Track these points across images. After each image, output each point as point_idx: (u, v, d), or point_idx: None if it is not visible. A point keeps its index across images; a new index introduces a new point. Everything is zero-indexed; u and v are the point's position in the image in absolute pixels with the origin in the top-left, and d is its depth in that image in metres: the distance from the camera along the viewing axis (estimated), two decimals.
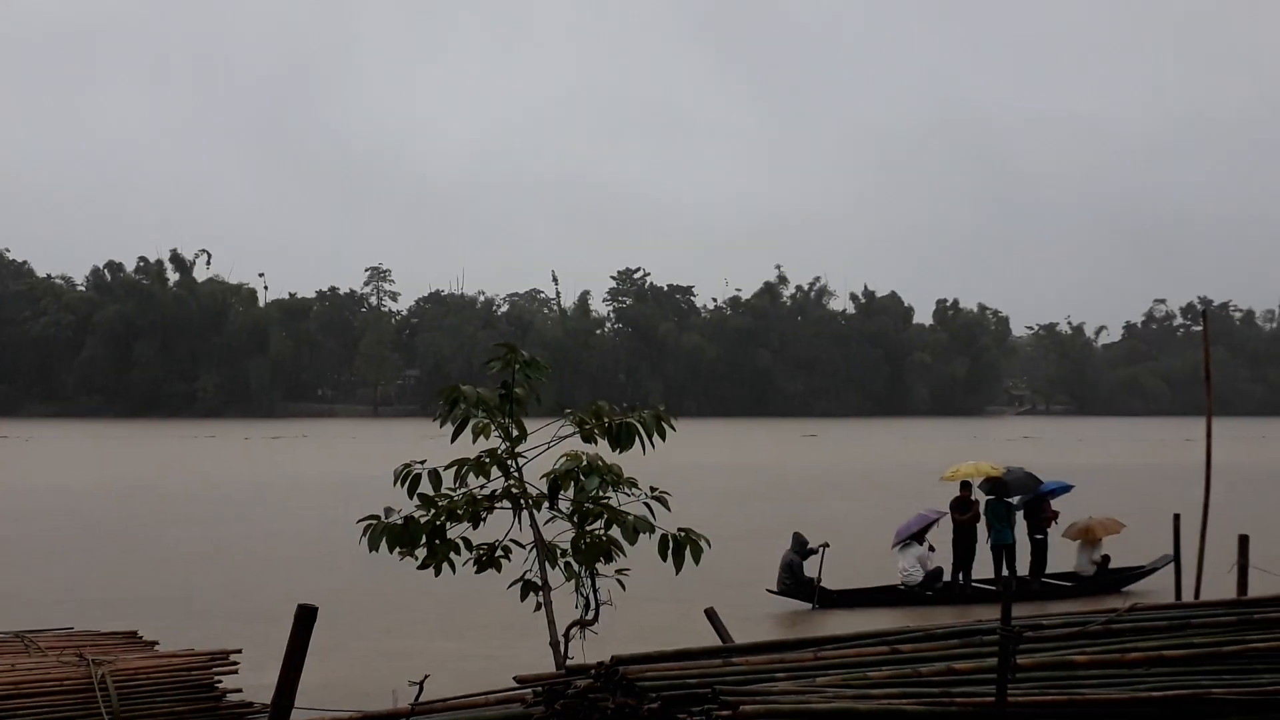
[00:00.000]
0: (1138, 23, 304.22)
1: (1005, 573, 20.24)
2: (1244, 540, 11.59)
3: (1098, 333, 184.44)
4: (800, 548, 19.42)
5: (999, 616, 6.76)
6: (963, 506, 20.34)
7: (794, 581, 19.21)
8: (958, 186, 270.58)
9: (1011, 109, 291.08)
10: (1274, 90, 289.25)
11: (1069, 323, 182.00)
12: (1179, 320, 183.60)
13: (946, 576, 20.02)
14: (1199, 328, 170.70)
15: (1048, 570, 20.61)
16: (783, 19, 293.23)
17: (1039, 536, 20.55)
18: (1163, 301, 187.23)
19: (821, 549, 19.26)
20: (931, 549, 20.10)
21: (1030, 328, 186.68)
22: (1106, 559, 20.69)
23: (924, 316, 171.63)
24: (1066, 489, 21.92)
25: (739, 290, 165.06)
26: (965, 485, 20.57)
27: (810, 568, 19.35)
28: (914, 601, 19.22)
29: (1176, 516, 17.02)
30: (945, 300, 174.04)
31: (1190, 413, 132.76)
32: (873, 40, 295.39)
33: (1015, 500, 20.72)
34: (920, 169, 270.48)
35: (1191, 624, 7.80)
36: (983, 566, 20.31)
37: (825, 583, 19.23)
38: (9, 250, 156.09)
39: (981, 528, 20.33)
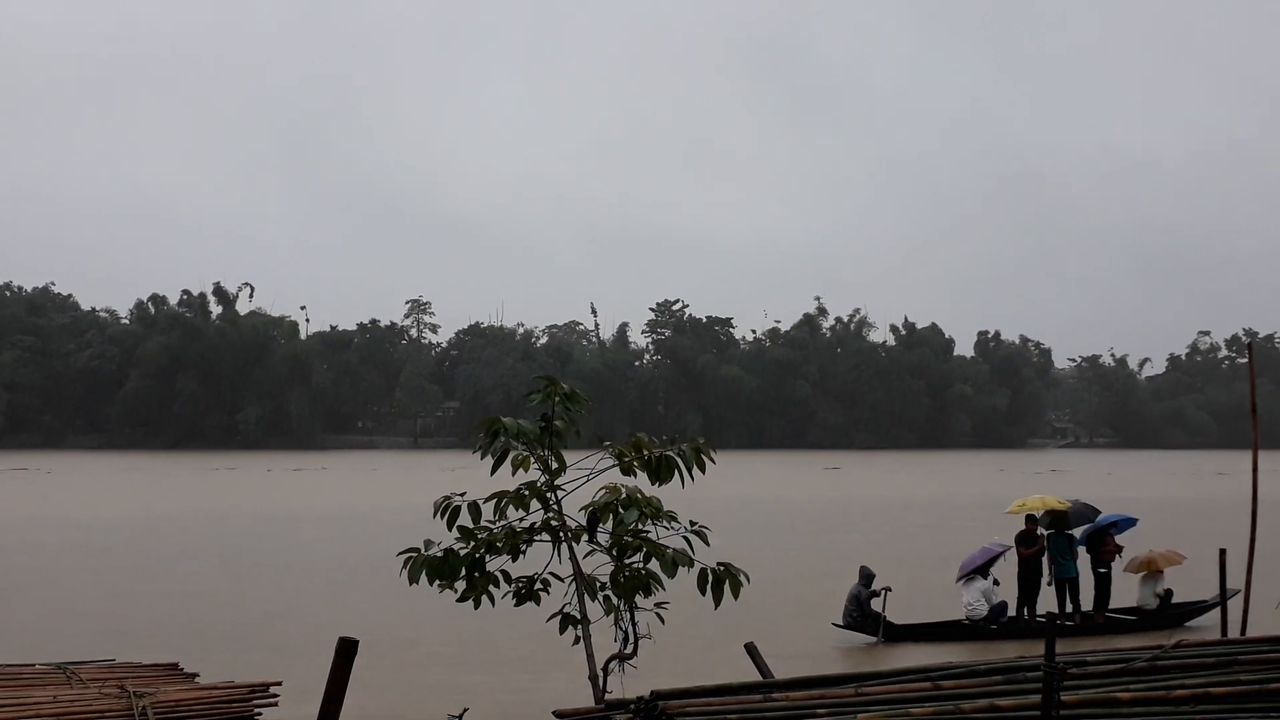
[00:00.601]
0: (1177, 54, 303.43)
1: (1070, 607, 20.17)
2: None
3: (1141, 365, 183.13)
4: (867, 581, 19.36)
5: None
6: (1028, 540, 20.21)
7: (860, 615, 19.18)
8: (997, 218, 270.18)
9: (1050, 140, 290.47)
10: None
11: (1112, 355, 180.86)
12: (1224, 352, 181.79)
13: (1011, 611, 19.87)
14: (1244, 360, 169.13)
15: (1111, 604, 20.48)
16: (816, 52, 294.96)
17: (1102, 570, 20.43)
18: (1207, 333, 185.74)
19: (884, 592, 19.20)
20: (996, 583, 19.98)
21: (1073, 360, 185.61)
22: (1169, 593, 20.48)
23: (965, 348, 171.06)
24: (1131, 523, 21.70)
25: (778, 322, 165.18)
26: (1030, 519, 20.44)
27: (876, 602, 19.29)
28: (979, 636, 19.09)
29: (1222, 551, 16.81)
30: (987, 332, 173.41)
31: (1236, 445, 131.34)
32: (908, 72, 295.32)
33: (1077, 533, 20.64)
34: (959, 200, 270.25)
35: (1238, 661, 7.69)
36: (1048, 601, 20.17)
37: (890, 616, 19.19)
38: (54, 284, 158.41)
39: (1045, 562, 20.23)
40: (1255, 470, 13.05)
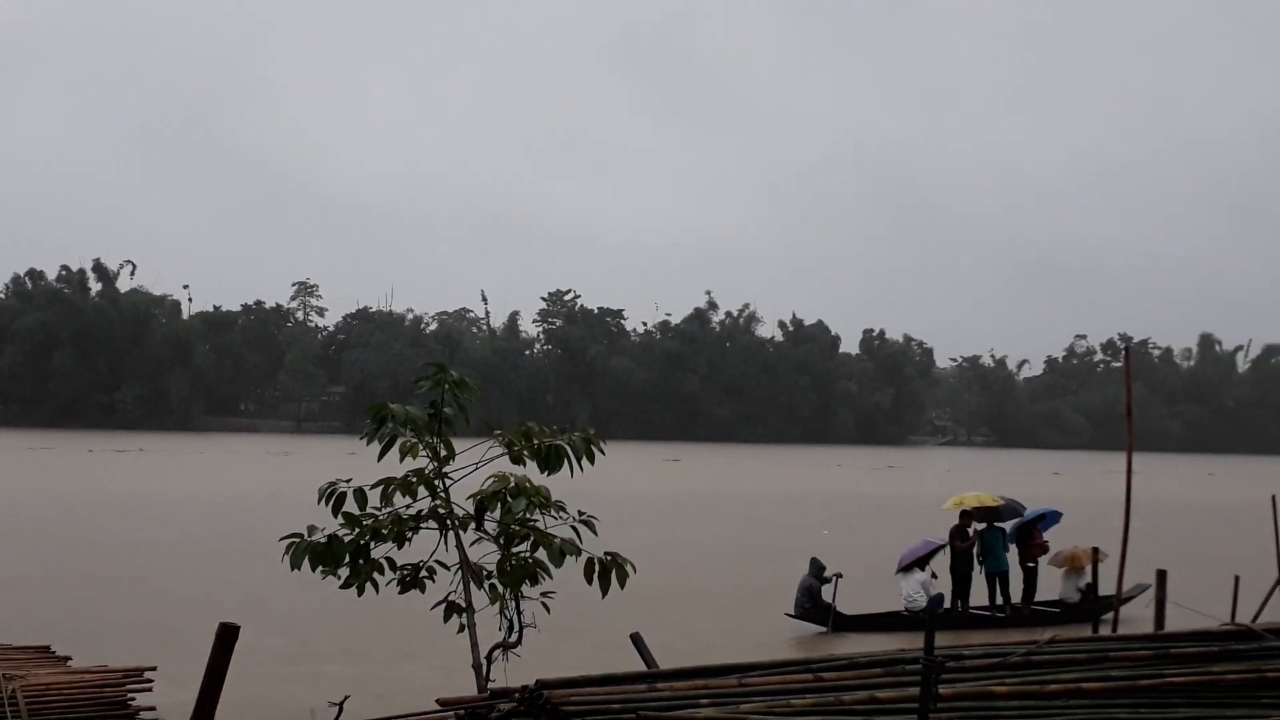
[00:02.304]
0: (1047, 67, 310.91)
1: (1000, 599, 21.09)
2: (1162, 575, 11.78)
3: (1020, 366, 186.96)
4: (818, 573, 19.90)
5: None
6: (962, 535, 21.04)
7: (812, 605, 19.75)
8: (879, 220, 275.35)
9: (928, 147, 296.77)
10: (1175, 135, 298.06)
11: (992, 355, 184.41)
12: (1099, 356, 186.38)
13: (947, 603, 20.56)
14: (1119, 364, 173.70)
15: (1037, 597, 21.47)
16: (699, 52, 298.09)
17: (1030, 565, 21.40)
18: (1084, 337, 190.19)
19: (835, 579, 19.81)
20: (934, 575, 20.62)
21: (954, 359, 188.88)
22: (1090, 586, 21.19)
23: (851, 346, 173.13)
24: (1057, 517, 22.52)
25: (669, 315, 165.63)
26: (965, 515, 21.27)
27: (827, 591, 19.85)
28: (919, 626, 19.47)
29: (1095, 550, 17.29)
30: (872, 330, 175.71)
31: (1109, 447, 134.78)
32: (790, 76, 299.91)
33: (1007, 528, 21.54)
34: (842, 201, 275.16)
35: (1110, 657, 7.91)
36: (979, 593, 21.08)
37: (839, 607, 19.79)
38: None
39: (976, 555, 21.13)
40: (1129, 472, 13.40)
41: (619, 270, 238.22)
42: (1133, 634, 9.50)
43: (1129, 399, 13.85)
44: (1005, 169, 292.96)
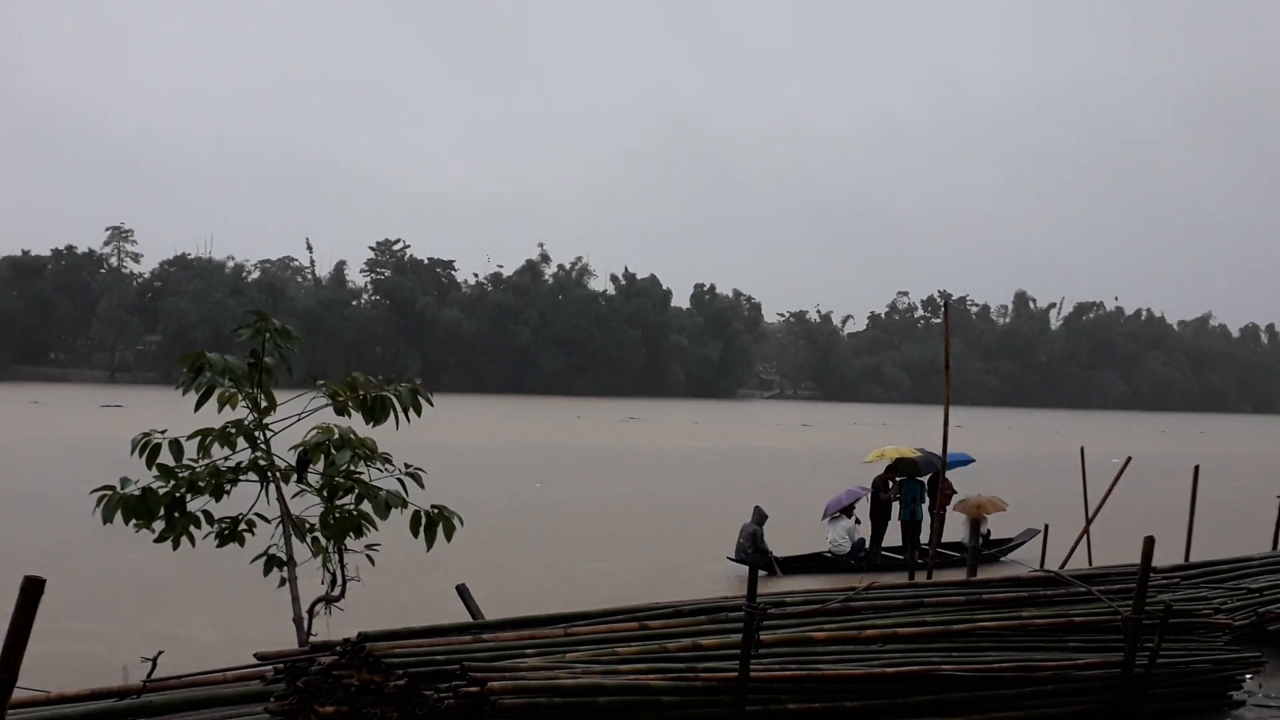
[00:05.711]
0: (835, 27, 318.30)
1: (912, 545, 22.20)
2: (975, 524, 12.20)
3: (844, 322, 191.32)
4: (760, 520, 20.71)
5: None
6: (885, 486, 22.43)
7: (754, 550, 20.39)
8: (683, 177, 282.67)
9: (721, 105, 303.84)
10: (962, 100, 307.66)
11: (818, 311, 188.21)
12: (920, 313, 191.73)
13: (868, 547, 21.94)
14: (939, 320, 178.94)
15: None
16: (493, 5, 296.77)
17: (939, 513, 22.24)
18: (905, 294, 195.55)
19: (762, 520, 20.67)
20: (858, 521, 22.01)
21: (782, 315, 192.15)
22: (989, 533, 22.36)
23: (682, 300, 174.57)
24: (968, 460, 23.69)
25: (501, 266, 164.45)
26: (890, 468, 22.63)
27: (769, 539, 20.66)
28: (843, 569, 20.72)
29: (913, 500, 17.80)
30: (703, 285, 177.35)
31: (927, 401, 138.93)
32: (584, 26, 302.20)
33: (925, 480, 22.63)
34: (646, 158, 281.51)
35: (925, 603, 8.16)
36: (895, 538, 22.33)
37: (776, 551, 20.79)
38: None
39: (894, 505, 22.42)
40: (946, 424, 13.79)
41: (447, 222, 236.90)
42: (946, 580, 9.81)
43: (947, 353, 14.26)
44: (800, 127, 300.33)
